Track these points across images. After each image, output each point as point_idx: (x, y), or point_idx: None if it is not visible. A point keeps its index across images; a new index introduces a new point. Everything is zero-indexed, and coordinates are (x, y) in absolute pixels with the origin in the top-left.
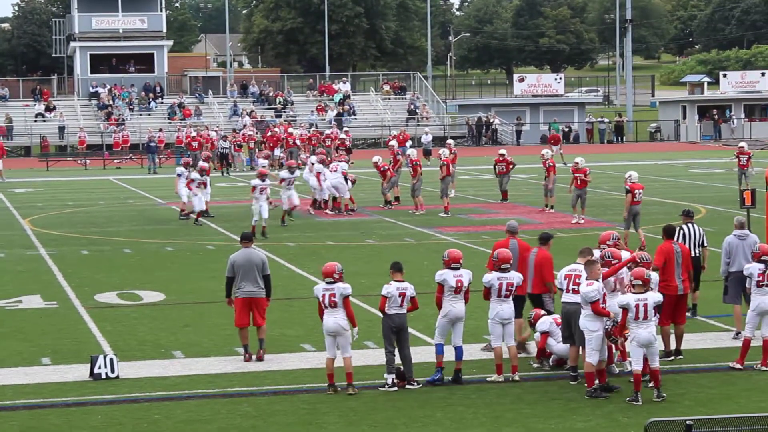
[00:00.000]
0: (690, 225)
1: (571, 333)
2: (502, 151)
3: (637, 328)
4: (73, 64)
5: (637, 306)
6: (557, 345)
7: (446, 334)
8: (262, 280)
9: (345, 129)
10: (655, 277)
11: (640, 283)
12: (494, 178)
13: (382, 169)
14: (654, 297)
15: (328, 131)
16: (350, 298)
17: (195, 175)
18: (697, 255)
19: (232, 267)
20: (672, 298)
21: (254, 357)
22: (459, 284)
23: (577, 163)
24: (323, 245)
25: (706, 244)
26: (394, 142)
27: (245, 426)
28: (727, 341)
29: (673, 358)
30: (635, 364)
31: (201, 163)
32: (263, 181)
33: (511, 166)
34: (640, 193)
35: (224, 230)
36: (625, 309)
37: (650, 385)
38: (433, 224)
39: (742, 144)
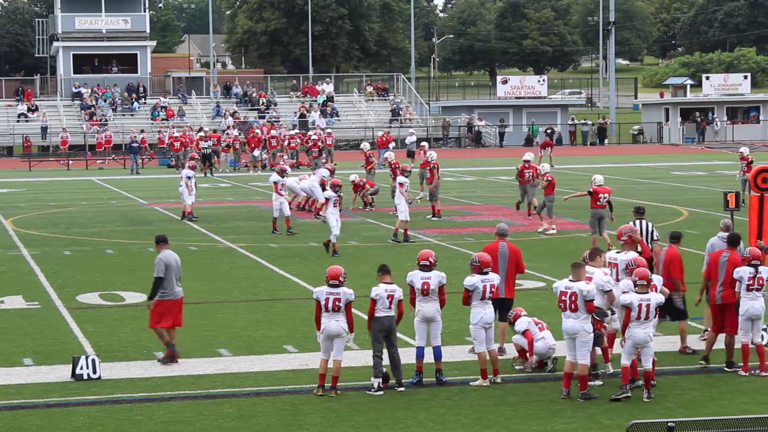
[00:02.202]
0: (641, 221)
1: None
2: (528, 156)
3: (635, 328)
4: (56, 64)
5: (639, 306)
6: (536, 344)
7: (425, 335)
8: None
9: (328, 131)
10: (657, 279)
11: (645, 283)
12: (475, 180)
13: (361, 183)
14: (656, 298)
15: (310, 132)
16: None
17: (276, 177)
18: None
19: (166, 268)
20: (717, 307)
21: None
22: (425, 287)
23: (539, 169)
24: (306, 246)
25: (657, 238)
26: (364, 145)
27: (227, 427)
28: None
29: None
30: (624, 359)
31: (282, 164)
32: (337, 192)
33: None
34: (605, 197)
35: (207, 231)
36: (627, 308)
37: (640, 382)
38: (415, 226)
39: (742, 149)
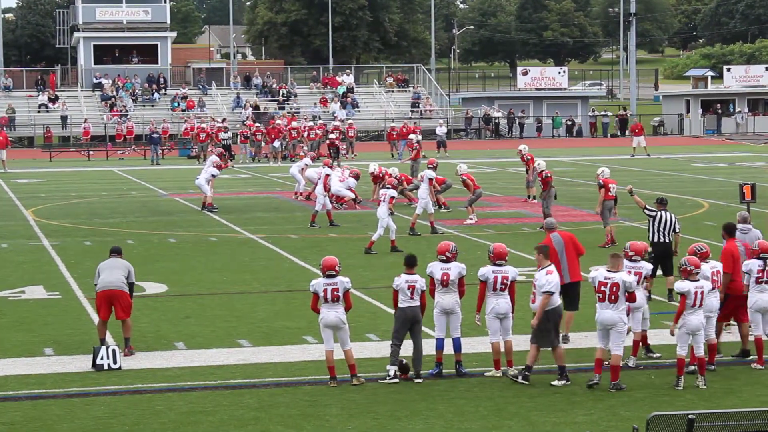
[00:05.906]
0: (663, 212)
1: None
2: (540, 163)
3: (689, 315)
4: (76, 55)
5: (695, 293)
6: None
7: (444, 327)
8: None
9: (349, 122)
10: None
11: (699, 271)
12: (495, 172)
13: (380, 174)
14: (708, 286)
15: (336, 123)
16: (351, 290)
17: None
18: (669, 241)
19: (100, 271)
20: (737, 298)
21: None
22: (444, 277)
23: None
24: (326, 237)
25: (678, 230)
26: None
27: (247, 418)
28: (728, 336)
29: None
30: (680, 350)
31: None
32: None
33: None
34: (614, 188)
35: (227, 222)
36: (684, 295)
37: (692, 367)
38: (434, 217)
39: None
